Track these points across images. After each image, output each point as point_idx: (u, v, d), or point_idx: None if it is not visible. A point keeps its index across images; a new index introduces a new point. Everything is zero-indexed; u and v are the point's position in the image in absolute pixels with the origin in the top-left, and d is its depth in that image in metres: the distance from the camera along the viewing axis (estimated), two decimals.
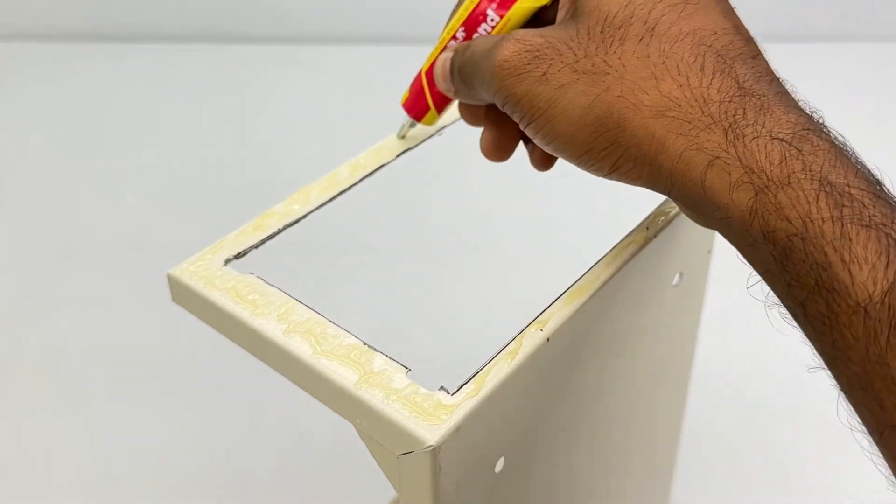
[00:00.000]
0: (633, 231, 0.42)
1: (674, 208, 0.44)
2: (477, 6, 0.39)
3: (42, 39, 1.44)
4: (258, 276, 0.40)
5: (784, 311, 0.30)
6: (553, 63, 0.33)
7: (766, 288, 0.31)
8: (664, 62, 0.32)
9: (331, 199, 0.45)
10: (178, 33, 1.44)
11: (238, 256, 0.41)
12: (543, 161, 0.40)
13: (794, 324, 0.30)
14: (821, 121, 0.31)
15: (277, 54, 1.40)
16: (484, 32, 0.39)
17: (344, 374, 0.34)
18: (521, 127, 0.35)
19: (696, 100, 0.31)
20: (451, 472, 0.33)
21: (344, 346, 0.36)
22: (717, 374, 0.84)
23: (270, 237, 0.43)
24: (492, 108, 0.39)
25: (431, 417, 0.32)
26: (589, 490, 0.52)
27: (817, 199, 0.28)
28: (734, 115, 0.30)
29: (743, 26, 0.34)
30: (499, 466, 0.38)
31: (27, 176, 1.16)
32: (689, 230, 0.47)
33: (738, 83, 0.31)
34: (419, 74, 0.43)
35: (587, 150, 0.33)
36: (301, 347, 0.36)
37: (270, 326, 0.37)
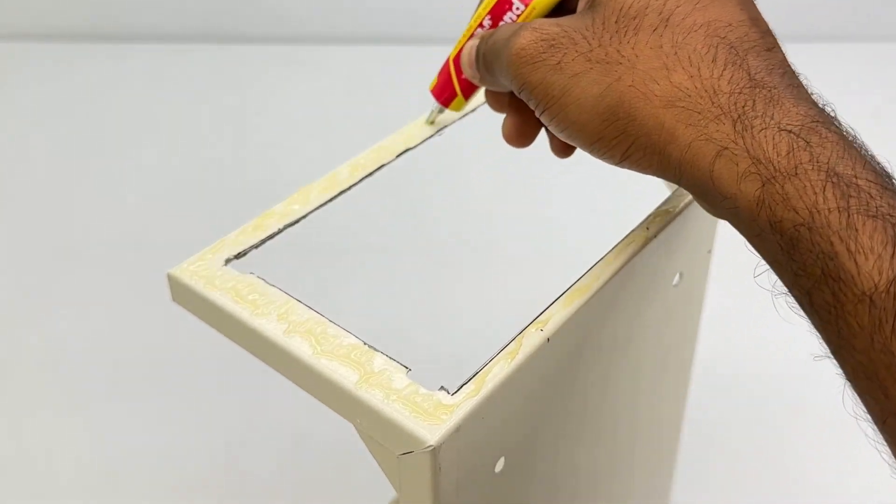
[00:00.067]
0: (633, 231, 0.42)
1: (674, 208, 0.44)
2: None
3: (42, 39, 1.44)
4: (258, 276, 0.40)
5: (791, 300, 0.30)
6: (568, 52, 0.34)
7: (773, 277, 0.31)
8: (676, 53, 0.32)
9: (331, 199, 0.45)
10: (178, 33, 1.44)
11: (238, 256, 0.41)
12: (563, 149, 0.40)
13: (801, 313, 0.30)
14: (832, 113, 0.31)
15: (277, 54, 1.40)
16: (509, 20, 0.40)
17: (344, 374, 0.34)
18: (537, 114, 0.36)
19: (706, 91, 0.31)
20: (452, 472, 0.33)
21: (344, 346, 0.36)
22: (717, 373, 0.84)
23: (270, 237, 0.43)
24: (514, 95, 0.39)
25: (431, 417, 0.32)
26: (589, 490, 0.52)
27: (824, 190, 0.28)
28: (743, 107, 0.31)
29: (761, 18, 0.34)
30: (499, 466, 0.38)
31: (27, 176, 1.16)
32: (689, 230, 0.47)
33: (749, 75, 0.32)
34: (447, 61, 0.44)
35: (599, 139, 0.34)
36: (301, 347, 0.36)
37: (270, 326, 0.37)
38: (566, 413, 0.43)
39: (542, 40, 0.34)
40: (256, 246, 0.42)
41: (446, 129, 0.50)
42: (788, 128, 0.30)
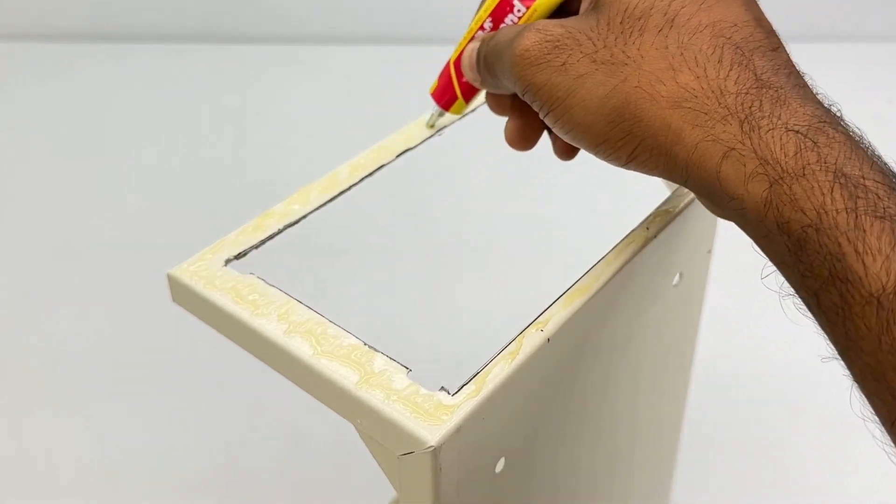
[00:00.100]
0: (633, 231, 0.42)
1: (674, 208, 0.44)
2: None
3: (42, 39, 1.44)
4: (258, 277, 0.40)
5: (798, 301, 0.30)
6: (572, 53, 0.34)
7: (780, 278, 0.31)
8: (682, 53, 0.32)
9: (331, 199, 0.45)
10: (178, 33, 1.44)
11: (238, 256, 0.41)
12: (566, 151, 0.40)
13: (808, 314, 0.30)
14: (838, 113, 0.31)
15: (277, 54, 1.40)
16: (510, 22, 0.40)
17: (344, 375, 0.34)
18: (541, 116, 0.36)
19: (712, 91, 0.31)
20: (452, 473, 0.33)
21: (344, 347, 0.36)
22: (717, 373, 0.84)
23: (270, 237, 0.43)
24: (517, 97, 0.39)
25: (432, 418, 0.32)
26: (589, 490, 0.52)
27: (832, 191, 0.28)
28: (750, 107, 0.31)
29: (765, 18, 0.34)
30: (499, 467, 0.38)
31: (27, 176, 1.16)
32: (689, 230, 0.47)
33: (755, 75, 0.31)
34: (447, 64, 0.44)
35: (604, 140, 0.33)
36: (301, 348, 0.36)
37: (270, 326, 0.37)
38: (566, 413, 0.43)
39: (546, 41, 0.34)
40: (256, 246, 0.42)
41: (446, 130, 0.50)
42: (796, 128, 0.30)
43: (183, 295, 0.40)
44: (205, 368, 0.86)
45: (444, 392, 0.33)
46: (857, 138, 0.30)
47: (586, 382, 0.44)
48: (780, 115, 0.30)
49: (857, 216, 0.28)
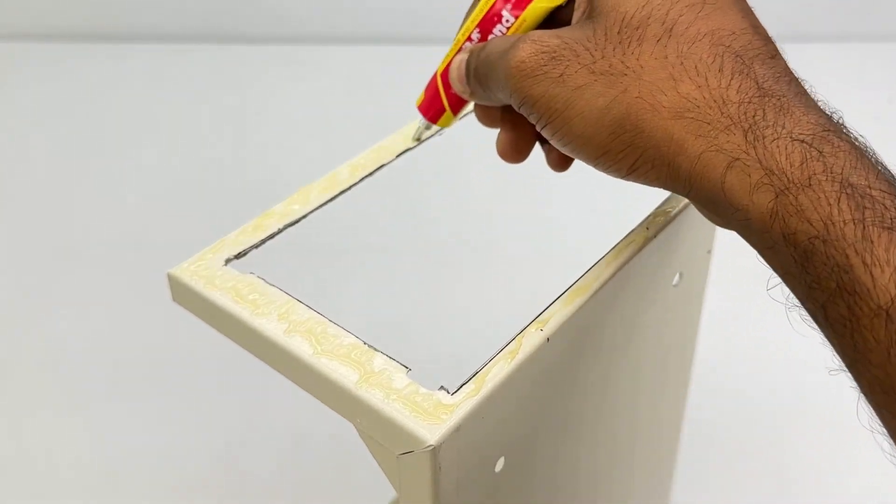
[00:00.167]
0: (633, 231, 0.42)
1: (674, 208, 0.44)
2: (492, 7, 0.39)
3: (42, 39, 1.44)
4: (258, 276, 0.40)
5: (804, 312, 0.30)
6: (570, 64, 0.33)
7: (786, 290, 0.30)
8: (682, 63, 0.32)
9: (331, 199, 0.45)
10: (178, 33, 1.44)
11: (238, 256, 0.41)
12: (560, 162, 0.40)
13: (815, 325, 0.30)
14: (840, 121, 0.31)
15: (277, 54, 1.40)
16: (499, 34, 0.39)
17: (344, 374, 0.34)
18: (538, 128, 0.35)
19: (714, 101, 0.31)
20: (452, 472, 0.33)
21: (344, 346, 0.36)
22: (717, 373, 0.84)
23: (270, 237, 0.43)
24: (508, 109, 0.38)
25: (431, 417, 0.32)
26: (589, 490, 0.52)
27: (838, 201, 0.28)
28: (754, 116, 0.30)
29: (761, 26, 0.34)
30: (499, 466, 0.38)
31: (27, 176, 1.16)
32: (689, 230, 0.47)
33: (757, 84, 0.31)
34: (434, 76, 0.43)
35: (605, 152, 0.33)
36: (301, 347, 0.36)
37: (271, 326, 0.37)
38: (566, 413, 0.43)
39: (542, 52, 0.34)
40: (256, 246, 0.42)
41: (446, 130, 0.50)
42: (800, 137, 0.29)
43: (183, 294, 0.40)
44: (205, 368, 0.86)
45: (443, 391, 0.33)
46: (861, 147, 0.30)
47: (586, 382, 0.44)
48: (784, 123, 0.30)
49: (864, 227, 0.27)
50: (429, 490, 0.33)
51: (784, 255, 0.29)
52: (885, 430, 0.28)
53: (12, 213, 1.09)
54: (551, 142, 0.35)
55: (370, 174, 0.47)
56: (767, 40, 0.33)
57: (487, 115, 0.41)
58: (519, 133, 0.40)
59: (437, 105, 0.43)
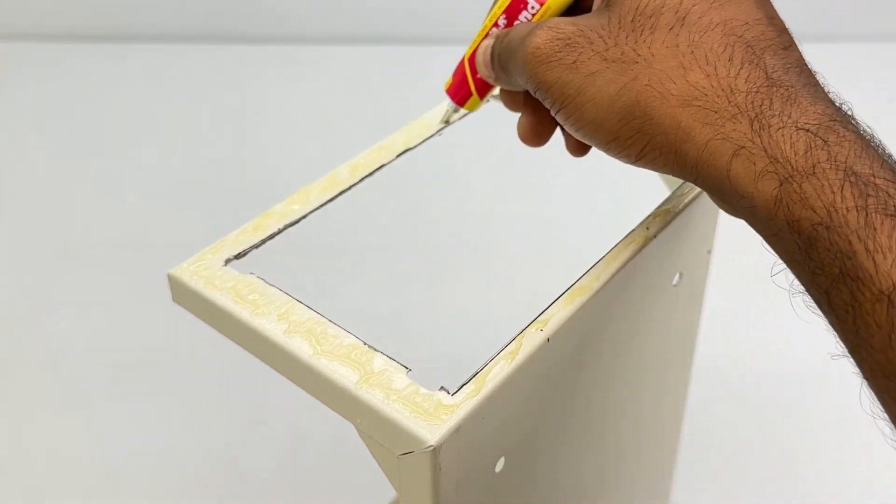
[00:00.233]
0: (633, 231, 0.42)
1: (675, 208, 0.44)
2: None
3: (42, 39, 1.44)
4: (258, 276, 0.40)
5: (808, 299, 0.30)
6: (584, 51, 0.34)
7: (790, 276, 0.31)
8: (693, 52, 0.32)
9: (331, 199, 0.45)
10: (178, 33, 1.44)
11: (238, 256, 0.41)
12: (578, 148, 0.40)
13: (818, 312, 0.30)
14: (849, 112, 0.31)
15: (277, 54, 1.40)
16: (524, 20, 0.40)
17: (344, 374, 0.34)
18: (553, 113, 0.36)
19: (722, 90, 0.31)
20: (452, 473, 0.33)
21: (344, 346, 0.36)
22: (717, 373, 0.84)
23: (270, 237, 0.43)
24: (529, 94, 0.39)
25: (432, 417, 0.32)
26: (589, 490, 0.52)
27: (842, 189, 0.28)
28: (760, 106, 0.31)
29: (777, 16, 0.34)
30: (499, 466, 0.38)
31: (27, 176, 1.16)
32: (689, 230, 0.47)
33: (766, 74, 0.32)
34: (462, 61, 0.44)
35: (615, 138, 0.34)
36: (301, 347, 0.36)
37: (270, 326, 0.37)
38: (566, 413, 0.43)
39: (557, 39, 0.34)
40: (256, 246, 0.42)
41: (446, 130, 0.50)
42: (806, 126, 0.30)
43: (183, 295, 0.40)
44: (205, 368, 0.86)
45: (443, 392, 0.33)
46: (867, 137, 0.30)
47: (586, 382, 0.44)
48: (790, 113, 0.30)
49: (867, 214, 0.28)
50: (429, 490, 0.33)
51: (788, 241, 0.30)
52: (886, 415, 0.28)
53: (12, 213, 1.09)
54: (564, 126, 0.36)
55: (370, 174, 0.47)
56: (782, 31, 0.34)
57: (512, 100, 0.41)
58: (539, 118, 0.40)
59: (465, 89, 0.44)
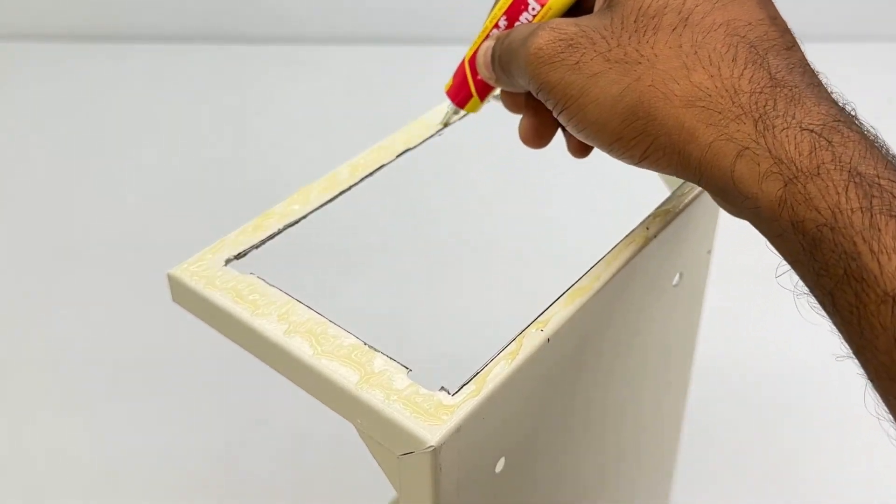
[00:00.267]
0: (633, 231, 0.42)
1: (675, 208, 0.44)
2: None
3: (42, 39, 1.44)
4: (258, 276, 0.40)
5: (812, 300, 0.30)
6: (586, 52, 0.34)
7: (795, 277, 0.31)
8: (696, 52, 0.32)
9: (331, 199, 0.45)
10: (178, 33, 1.44)
11: (238, 256, 0.41)
12: (579, 149, 0.40)
13: (823, 313, 0.30)
14: (853, 112, 0.31)
15: (277, 54, 1.40)
16: (525, 21, 0.40)
17: (344, 375, 0.34)
18: (555, 114, 0.36)
19: (726, 90, 0.31)
20: (452, 473, 0.33)
21: (344, 347, 0.36)
22: (717, 373, 0.84)
23: (270, 237, 0.43)
24: (531, 95, 0.39)
25: (432, 418, 0.32)
26: (589, 490, 0.52)
27: (846, 190, 0.28)
28: (765, 106, 0.31)
29: (779, 16, 0.34)
30: (499, 467, 0.38)
31: (27, 176, 1.16)
32: (689, 230, 0.47)
33: (770, 74, 0.31)
34: (462, 62, 0.44)
35: (618, 139, 0.34)
36: (301, 347, 0.36)
37: (271, 326, 0.37)
38: (567, 413, 0.43)
39: (559, 40, 0.34)
40: (256, 246, 0.42)
41: (446, 130, 0.50)
42: (810, 127, 0.30)
43: (183, 295, 0.40)
44: (205, 368, 0.86)
45: (444, 392, 0.33)
46: (871, 137, 0.30)
47: (586, 382, 0.44)
48: (794, 114, 0.30)
49: (872, 215, 0.28)
50: (429, 490, 0.33)
51: (793, 242, 0.30)
52: (891, 416, 0.28)
53: (12, 213, 1.09)
54: (567, 127, 0.36)
55: (370, 174, 0.47)
56: (785, 31, 0.34)
57: (513, 101, 0.41)
58: (541, 119, 0.40)
59: (465, 90, 0.44)
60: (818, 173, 0.29)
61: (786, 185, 0.29)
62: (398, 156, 0.48)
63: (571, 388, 0.43)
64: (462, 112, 0.47)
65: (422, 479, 0.33)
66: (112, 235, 1.04)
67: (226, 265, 0.41)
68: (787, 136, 0.30)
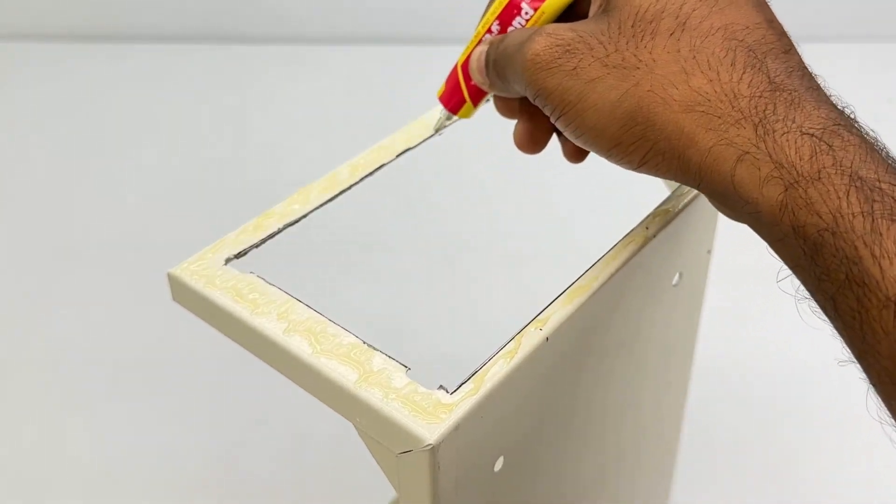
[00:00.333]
0: (633, 230, 0.42)
1: (675, 207, 0.44)
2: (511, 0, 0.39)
3: (42, 39, 1.44)
4: (258, 276, 0.40)
5: (814, 304, 0.30)
6: (584, 57, 0.34)
7: (796, 282, 0.31)
8: (694, 57, 0.32)
9: (331, 199, 0.45)
10: (178, 33, 1.44)
11: (238, 256, 0.41)
12: (575, 154, 0.40)
13: (824, 318, 0.30)
14: (852, 116, 0.31)
15: (277, 54, 1.40)
16: (518, 26, 0.39)
17: (343, 373, 0.34)
18: (553, 120, 0.35)
19: (725, 95, 0.31)
20: (451, 471, 0.33)
21: (343, 345, 0.36)
22: (717, 373, 0.84)
23: (271, 237, 0.43)
24: (525, 100, 0.39)
25: (430, 416, 0.32)
26: (589, 489, 0.52)
27: (847, 194, 0.28)
28: (764, 111, 0.31)
29: (776, 20, 0.34)
30: (498, 465, 0.38)
31: (27, 176, 1.16)
32: (689, 230, 0.47)
33: (769, 78, 0.31)
34: (455, 67, 0.44)
35: (616, 144, 0.33)
36: (301, 346, 0.36)
37: (270, 325, 0.37)
38: (566, 412, 0.43)
39: (556, 45, 0.34)
40: (256, 245, 0.42)
41: (446, 129, 0.50)
42: (811, 131, 0.30)
43: (183, 294, 0.40)
44: (205, 368, 0.86)
45: (442, 391, 0.33)
46: (871, 141, 0.30)
47: (586, 381, 0.44)
48: (794, 118, 0.30)
49: (873, 220, 0.28)
50: (428, 489, 0.33)
51: (794, 247, 0.29)
52: (893, 420, 0.28)
53: (12, 213, 1.09)
54: (565, 133, 0.36)
55: (370, 174, 0.47)
56: (782, 35, 0.34)
57: (506, 107, 0.41)
58: (536, 124, 0.40)
59: (458, 96, 0.44)
60: (819, 178, 0.29)
61: (786, 190, 0.29)
62: (398, 156, 0.48)
63: (570, 388, 0.43)
64: (455, 118, 0.46)
65: (420, 478, 0.33)
66: (112, 235, 1.04)
67: (226, 264, 0.41)
68: (787, 140, 0.30)
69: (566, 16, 0.39)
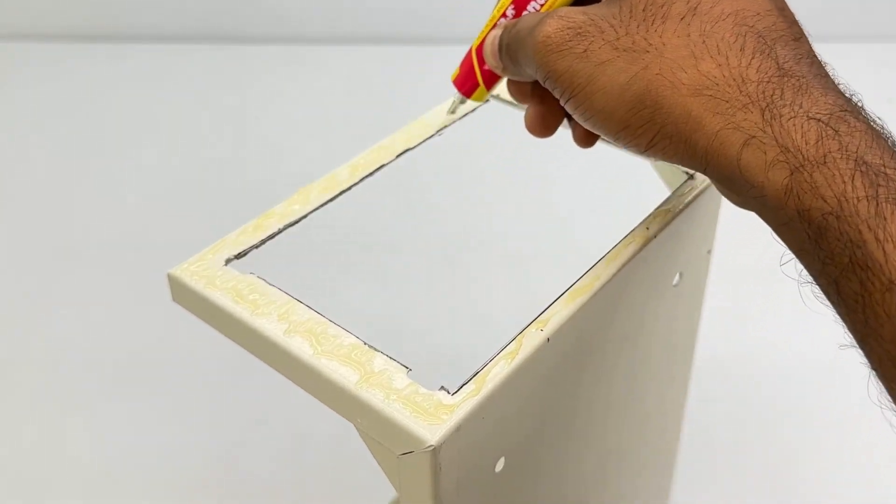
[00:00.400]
0: (633, 230, 0.42)
1: (675, 207, 0.44)
2: None
3: (42, 39, 1.44)
4: (258, 276, 0.40)
5: (817, 289, 0.30)
6: (594, 40, 0.34)
7: (800, 266, 0.31)
8: (704, 41, 0.32)
9: (331, 200, 0.45)
10: (178, 33, 1.44)
11: (238, 256, 0.41)
12: (585, 138, 0.40)
13: (827, 303, 0.30)
14: (859, 103, 0.32)
15: (277, 54, 1.40)
16: (533, 10, 0.40)
17: (344, 374, 0.34)
18: (562, 103, 0.36)
19: (734, 79, 0.31)
20: (452, 472, 0.33)
21: (344, 346, 0.36)
22: (718, 373, 0.84)
23: (271, 237, 0.43)
24: (537, 84, 0.39)
25: (432, 417, 0.32)
26: (589, 490, 0.52)
27: (853, 179, 0.28)
28: (772, 96, 0.31)
29: (787, 8, 0.34)
30: (499, 466, 0.38)
31: (27, 176, 1.16)
32: (689, 230, 0.47)
33: (777, 64, 0.32)
34: (469, 51, 0.44)
35: (624, 127, 0.34)
36: (301, 347, 0.36)
37: (271, 326, 0.37)
38: (566, 413, 0.43)
39: (567, 28, 0.34)
40: (257, 246, 0.42)
41: (446, 130, 0.50)
42: (817, 116, 0.30)
43: (183, 294, 0.40)
44: (205, 368, 0.86)
45: (443, 391, 0.33)
46: (878, 128, 0.31)
47: (587, 381, 0.44)
48: (801, 103, 0.30)
49: (878, 204, 0.28)
50: (429, 490, 0.33)
51: (798, 231, 0.30)
52: (894, 405, 0.28)
53: (12, 213, 1.09)
54: (574, 116, 0.36)
55: (370, 174, 0.47)
56: (793, 22, 0.34)
57: (519, 91, 0.41)
58: (547, 108, 0.40)
59: (472, 80, 0.44)
60: (825, 162, 0.29)
61: (792, 174, 0.29)
62: (398, 156, 0.48)
63: (572, 388, 0.43)
64: (469, 101, 0.46)
65: (422, 479, 0.33)
66: (112, 235, 1.04)
67: (226, 265, 0.41)
68: (793, 125, 0.30)
69: (580, 1, 0.39)
